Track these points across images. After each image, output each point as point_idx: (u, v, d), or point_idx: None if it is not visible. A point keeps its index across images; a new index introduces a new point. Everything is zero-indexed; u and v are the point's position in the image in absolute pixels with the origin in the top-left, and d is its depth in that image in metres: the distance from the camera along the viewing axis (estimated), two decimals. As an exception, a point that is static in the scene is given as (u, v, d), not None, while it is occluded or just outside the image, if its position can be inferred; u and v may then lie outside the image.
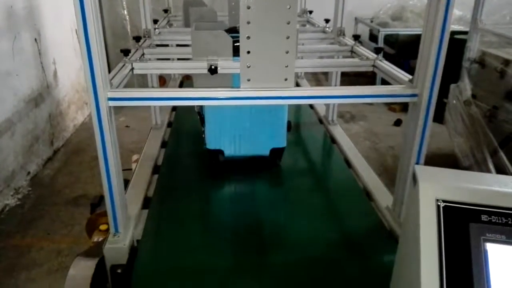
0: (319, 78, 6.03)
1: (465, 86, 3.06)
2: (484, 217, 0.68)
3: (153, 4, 2.21)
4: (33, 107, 3.61)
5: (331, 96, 1.26)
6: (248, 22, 1.17)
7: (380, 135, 4.49)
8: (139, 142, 3.64)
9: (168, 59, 2.04)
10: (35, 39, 3.72)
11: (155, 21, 2.38)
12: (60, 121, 4.20)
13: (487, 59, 2.83)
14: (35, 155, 3.60)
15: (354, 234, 1.46)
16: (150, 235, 1.39)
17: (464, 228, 0.68)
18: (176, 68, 1.61)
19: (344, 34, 2.15)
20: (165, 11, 3.04)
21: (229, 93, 1.23)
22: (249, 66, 1.22)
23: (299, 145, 2.11)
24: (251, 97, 1.24)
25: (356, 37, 1.92)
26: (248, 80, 1.23)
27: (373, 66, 1.68)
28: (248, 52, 1.20)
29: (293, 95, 1.25)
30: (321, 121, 2.43)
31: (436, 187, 0.71)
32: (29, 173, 3.48)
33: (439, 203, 0.69)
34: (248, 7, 1.15)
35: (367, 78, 5.19)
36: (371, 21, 5.88)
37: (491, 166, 2.69)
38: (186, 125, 2.36)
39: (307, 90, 1.26)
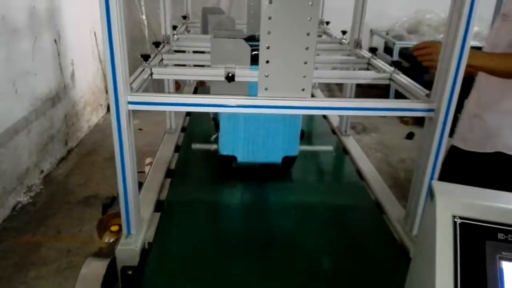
0: (332, 89, 6.04)
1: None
2: (500, 235, 0.68)
3: (172, 10, 2.25)
4: (50, 107, 3.68)
5: (348, 108, 1.26)
6: (269, 32, 1.18)
7: (391, 147, 4.48)
8: (152, 145, 3.67)
9: (185, 65, 2.07)
10: (55, 40, 3.80)
11: (174, 27, 2.42)
12: (75, 122, 4.26)
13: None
14: (49, 154, 3.66)
15: (365, 246, 1.46)
16: (162, 238, 1.40)
17: (480, 246, 0.68)
18: (194, 75, 1.63)
19: (361, 46, 2.16)
20: (184, 17, 3.08)
21: (247, 101, 1.25)
22: (267, 75, 1.23)
23: (312, 154, 2.11)
24: (268, 106, 1.25)
25: (373, 50, 1.92)
26: (266, 89, 1.25)
27: (390, 79, 1.69)
28: (267, 61, 1.22)
29: (310, 106, 1.26)
30: (334, 132, 2.44)
31: (454, 203, 0.71)
32: (42, 171, 3.54)
33: (456, 220, 0.69)
34: (270, 18, 1.16)
35: (380, 90, 5.19)
36: (387, 34, 5.89)
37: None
38: (200, 130, 2.38)
39: (324, 101, 1.27)
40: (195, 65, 1.99)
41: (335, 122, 2.49)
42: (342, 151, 2.17)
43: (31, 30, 3.35)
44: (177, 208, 1.61)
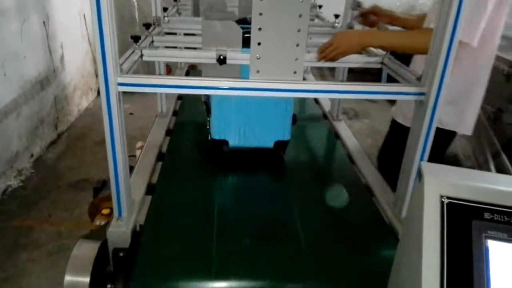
0: (324, 74, 6.02)
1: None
2: (487, 215, 0.69)
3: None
4: (39, 90, 3.63)
5: (340, 91, 1.26)
6: (261, 14, 1.17)
7: (382, 133, 4.49)
8: (142, 129, 3.65)
9: (176, 47, 2.04)
10: (44, 22, 3.72)
11: (165, 9, 2.38)
12: (65, 105, 4.22)
13: (495, 62, 2.82)
14: (39, 137, 3.62)
15: (354, 229, 1.48)
16: (153, 220, 1.41)
17: (467, 225, 0.69)
18: (185, 57, 1.61)
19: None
20: (175, -1, 3.03)
21: (239, 83, 1.24)
22: (259, 58, 1.22)
23: (303, 138, 2.12)
24: (259, 88, 1.24)
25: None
26: (258, 71, 1.24)
27: (381, 63, 1.69)
28: (259, 43, 1.21)
29: (301, 89, 1.25)
30: (325, 116, 2.44)
31: (441, 183, 0.72)
32: (32, 155, 3.51)
33: (443, 200, 0.70)
34: (261, -1, 1.15)
35: (372, 75, 5.18)
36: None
37: (493, 168, 2.70)
38: (191, 114, 2.37)
39: (316, 84, 1.27)
40: (186, 48, 1.97)
41: (326, 107, 2.50)
42: (334, 136, 2.17)
43: (19, 12, 3.28)
44: (168, 191, 1.61)
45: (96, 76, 5.19)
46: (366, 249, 1.36)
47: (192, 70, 3.28)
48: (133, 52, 1.49)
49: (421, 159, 1.33)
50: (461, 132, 2.00)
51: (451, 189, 0.71)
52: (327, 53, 1.55)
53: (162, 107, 2.32)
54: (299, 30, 1.20)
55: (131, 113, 4.69)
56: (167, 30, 2.17)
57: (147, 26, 1.89)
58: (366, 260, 1.31)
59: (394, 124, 2.08)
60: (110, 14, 1.08)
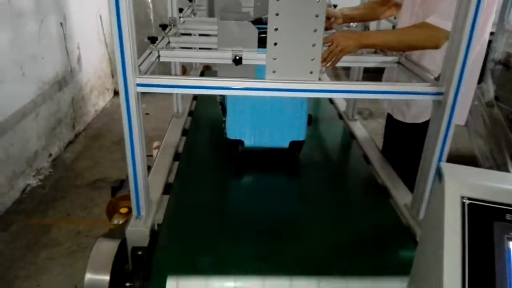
0: (338, 74, 5.99)
1: (488, 88, 3.02)
2: (508, 216, 0.68)
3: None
4: (56, 91, 3.69)
5: (357, 91, 1.26)
6: (277, 14, 1.17)
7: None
8: (158, 130, 3.68)
9: (191, 48, 2.06)
10: (61, 24, 3.79)
11: (180, 10, 2.40)
12: (82, 106, 4.28)
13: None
14: (57, 137, 3.68)
15: (371, 230, 1.47)
16: (171, 219, 1.42)
17: (488, 226, 0.69)
18: (201, 58, 1.62)
19: (369, 30, 2.15)
20: (190, 0, 3.06)
21: (255, 83, 1.25)
22: (275, 58, 1.23)
23: (319, 139, 2.11)
24: (276, 88, 1.25)
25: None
26: (274, 71, 1.25)
27: (398, 62, 1.68)
28: (275, 44, 1.21)
29: (318, 89, 1.25)
30: (340, 116, 2.43)
31: (462, 184, 0.72)
32: (50, 155, 3.57)
33: (464, 201, 0.70)
34: (278, -1, 1.15)
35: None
36: (394, 18, 5.79)
37: (511, 169, 2.66)
38: (207, 114, 2.39)
39: (332, 84, 1.26)
40: (201, 48, 1.98)
41: (341, 107, 2.49)
42: (349, 136, 2.16)
43: (37, 13, 3.34)
44: (185, 190, 1.63)
45: (113, 76, 5.26)
46: (383, 251, 1.35)
47: (207, 70, 3.30)
48: (150, 53, 1.51)
49: (440, 160, 1.32)
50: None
51: (472, 190, 0.71)
52: (333, 55, 1.55)
53: (178, 107, 2.34)
54: (315, 30, 1.20)
55: (147, 113, 4.75)
56: (182, 31, 2.19)
57: (163, 27, 1.92)
58: (384, 262, 1.30)
59: (393, 121, 2.08)
60: (129, 16, 1.10)
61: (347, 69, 4.09)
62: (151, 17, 5.25)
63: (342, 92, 1.26)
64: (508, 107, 2.74)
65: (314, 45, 1.22)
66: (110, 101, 5.14)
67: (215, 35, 2.02)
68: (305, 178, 1.82)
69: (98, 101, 4.80)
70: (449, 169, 0.74)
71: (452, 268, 0.66)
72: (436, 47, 1.58)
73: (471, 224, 0.68)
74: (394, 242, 1.39)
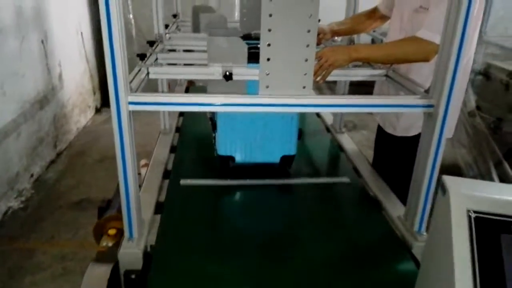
0: (320, 87, 6.06)
1: (469, 98, 3.09)
2: (515, 229, 0.69)
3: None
4: (38, 109, 3.61)
5: (351, 105, 1.26)
6: (269, 30, 1.18)
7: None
8: (144, 146, 3.63)
9: (175, 64, 2.04)
10: (42, 41, 3.73)
11: (166, 26, 2.40)
12: (64, 124, 4.20)
13: (493, 71, 2.86)
14: (39, 157, 3.59)
15: (367, 243, 1.46)
16: (164, 240, 1.39)
17: (496, 239, 0.68)
18: (191, 74, 1.61)
19: (354, 43, 2.18)
20: (174, 16, 3.06)
21: (249, 99, 1.24)
22: (268, 73, 1.23)
23: (308, 153, 2.11)
24: (270, 104, 1.24)
25: (368, 47, 1.94)
26: (267, 87, 1.24)
27: (386, 76, 1.70)
28: (268, 59, 1.21)
29: (311, 103, 1.25)
30: (328, 130, 2.44)
31: (467, 198, 0.72)
32: (32, 175, 3.47)
33: (470, 214, 0.70)
34: (270, 15, 1.16)
35: (369, 87, 5.22)
36: (373, 31, 5.91)
37: (496, 177, 2.71)
38: (194, 130, 2.37)
39: (326, 98, 1.27)
40: (185, 64, 1.97)
41: (328, 120, 2.50)
42: (338, 149, 2.17)
43: (18, 31, 3.28)
44: (177, 209, 1.59)
45: (94, 93, 5.19)
46: (380, 265, 1.34)
47: (191, 85, 3.29)
48: (139, 70, 1.49)
49: (432, 171, 1.33)
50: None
51: (477, 203, 0.71)
52: (323, 69, 1.56)
53: (166, 124, 2.31)
54: (307, 46, 1.21)
55: (130, 130, 4.69)
56: (169, 47, 2.18)
57: (151, 43, 1.90)
58: (382, 276, 1.29)
59: (384, 134, 2.11)
60: (120, 33, 1.08)
61: (328, 82, 4.14)
62: (133, 33, 5.22)
63: (335, 107, 1.26)
64: (490, 116, 2.80)
65: (306, 60, 1.22)
66: (91, 119, 5.06)
67: (202, 51, 2.04)
68: (297, 192, 1.81)
69: (79, 119, 4.72)
70: (453, 182, 0.74)
71: (464, 282, 0.65)
72: (426, 60, 1.61)
73: (479, 237, 0.68)
74: (390, 255, 1.39)
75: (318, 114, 2.63)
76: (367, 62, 1.77)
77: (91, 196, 3.25)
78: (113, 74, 1.11)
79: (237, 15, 5.34)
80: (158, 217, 1.53)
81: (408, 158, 1.94)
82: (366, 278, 1.27)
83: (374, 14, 2.06)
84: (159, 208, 1.59)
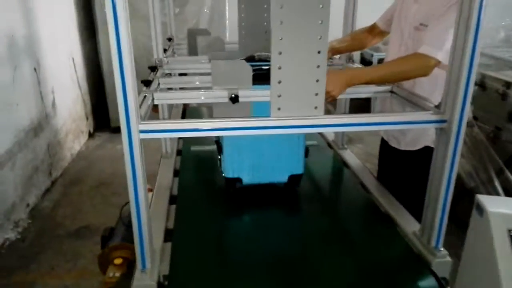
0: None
1: (466, 108, 3.11)
2: (556, 246, 0.67)
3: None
4: (32, 137, 3.56)
5: (362, 124, 1.25)
6: (280, 53, 1.17)
7: (378, 156, 4.52)
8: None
9: (171, 88, 2.02)
10: (34, 68, 3.70)
11: (164, 50, 2.39)
12: (58, 151, 4.14)
13: (488, 82, 2.89)
14: (34, 186, 3.52)
15: (385, 261, 1.44)
16: (178, 270, 1.35)
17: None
18: (196, 98, 1.59)
19: (353, 61, 2.19)
20: (169, 39, 3.05)
21: (261, 122, 1.22)
22: (280, 96, 1.21)
23: (313, 170, 2.09)
24: (282, 126, 1.23)
25: (368, 64, 1.94)
26: (279, 109, 1.23)
27: (391, 91, 1.70)
28: (279, 82, 1.20)
29: (324, 123, 1.24)
30: (330, 146, 2.43)
31: (507, 217, 0.70)
32: (28, 205, 3.40)
33: (511, 234, 0.68)
34: (281, 38, 1.15)
35: (359, 101, 5.25)
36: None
37: (498, 186, 2.71)
38: (196, 152, 2.34)
39: (338, 117, 1.26)
40: (181, 88, 1.95)
41: (330, 137, 2.50)
42: (343, 165, 2.16)
43: (10, 60, 3.25)
44: (187, 236, 1.55)
45: (87, 118, 5.14)
46: (401, 282, 1.32)
47: (187, 108, 3.27)
48: (145, 97, 1.47)
49: (448, 186, 1.32)
50: None
51: (517, 222, 0.69)
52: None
53: (167, 147, 2.28)
54: (318, 66, 1.20)
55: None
56: (167, 71, 2.16)
57: (152, 68, 1.89)
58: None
59: (388, 148, 2.11)
60: (130, 60, 1.06)
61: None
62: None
63: (349, 126, 1.25)
64: (488, 126, 2.82)
65: (317, 81, 1.21)
66: (85, 144, 4.99)
67: (202, 74, 2.03)
68: (308, 212, 1.78)
69: (73, 145, 4.65)
70: (489, 202, 0.73)
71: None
72: (425, 74, 1.62)
73: (523, 257, 0.66)
74: (410, 273, 1.36)
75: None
76: None
77: (89, 224, 3.18)
78: (125, 103, 1.09)
79: (228, 35, 5.38)
80: (168, 245, 1.49)
81: (413, 172, 1.95)
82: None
83: (373, 30, 2.08)
84: (168, 235, 1.55)
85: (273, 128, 1.23)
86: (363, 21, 2.18)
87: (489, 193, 2.74)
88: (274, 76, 1.20)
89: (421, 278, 1.32)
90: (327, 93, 1.54)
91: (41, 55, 3.85)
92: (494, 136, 2.80)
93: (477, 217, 0.73)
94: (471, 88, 1.21)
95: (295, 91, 1.21)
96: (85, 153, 4.78)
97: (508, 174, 2.66)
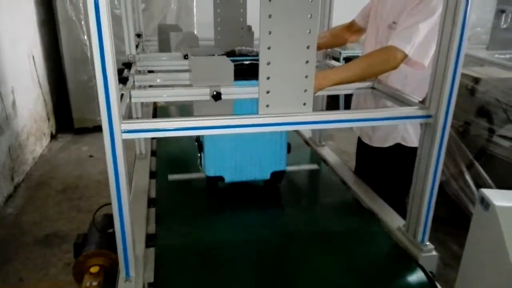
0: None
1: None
2: None
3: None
4: (-8, 141, 3.35)
5: (351, 120, 1.24)
6: (269, 48, 1.13)
7: (350, 153, 4.57)
8: (106, 173, 3.46)
9: (158, 85, 1.95)
10: (-7, 68, 3.48)
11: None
12: (19, 154, 3.92)
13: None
14: (-5, 192, 3.32)
15: (372, 257, 1.43)
16: (163, 277, 1.29)
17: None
18: (176, 95, 1.53)
19: (331, 57, 2.18)
20: (138, 35, 2.95)
21: (249, 120, 1.18)
22: (268, 92, 1.18)
23: (293, 168, 2.07)
24: (270, 123, 1.19)
25: (347, 60, 1.94)
26: (267, 106, 1.19)
27: (372, 88, 1.70)
28: (268, 77, 1.16)
29: (313, 120, 1.22)
30: (307, 143, 2.42)
31: (514, 211, 0.69)
32: (-11, 213, 3.20)
33: (520, 227, 0.68)
34: (270, 32, 1.11)
35: (329, 98, 5.29)
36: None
37: (469, 179, 2.79)
38: (171, 153, 2.27)
39: (327, 114, 1.23)
40: (153, 85, 1.88)
41: (307, 134, 2.49)
42: (322, 162, 2.15)
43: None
44: (170, 241, 1.49)
45: (49, 119, 4.91)
46: (391, 278, 1.32)
47: (158, 106, 3.19)
48: (122, 95, 1.40)
49: (434, 181, 1.32)
50: None
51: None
52: None
53: (141, 148, 2.20)
54: (307, 62, 1.17)
55: (91, 156, 4.46)
56: (140, 68, 2.08)
57: (126, 65, 1.80)
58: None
59: (362, 144, 2.13)
60: (112, 58, 1.00)
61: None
62: (88, 54, 5.00)
63: (338, 122, 1.23)
64: (456, 121, 2.90)
65: (306, 77, 1.19)
66: (47, 146, 4.76)
67: (177, 71, 1.96)
68: (292, 210, 1.76)
69: (35, 148, 4.43)
70: (494, 196, 0.72)
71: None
72: (393, 68, 1.61)
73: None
74: (398, 268, 1.36)
75: (295, 128, 2.61)
76: None
77: (57, 230, 3.03)
78: (106, 102, 1.02)
79: (196, 31, 5.28)
80: (150, 250, 1.42)
81: (386, 169, 1.97)
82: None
83: (352, 27, 2.08)
84: (149, 240, 1.48)
85: (262, 126, 1.19)
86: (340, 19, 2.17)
87: (460, 187, 2.82)
88: (262, 71, 1.16)
89: (409, 272, 1.32)
90: None
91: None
92: (463, 130, 2.88)
93: (482, 212, 0.72)
94: (457, 83, 1.22)
95: (284, 87, 1.18)
96: (48, 156, 4.56)
97: (478, 166, 2.75)
